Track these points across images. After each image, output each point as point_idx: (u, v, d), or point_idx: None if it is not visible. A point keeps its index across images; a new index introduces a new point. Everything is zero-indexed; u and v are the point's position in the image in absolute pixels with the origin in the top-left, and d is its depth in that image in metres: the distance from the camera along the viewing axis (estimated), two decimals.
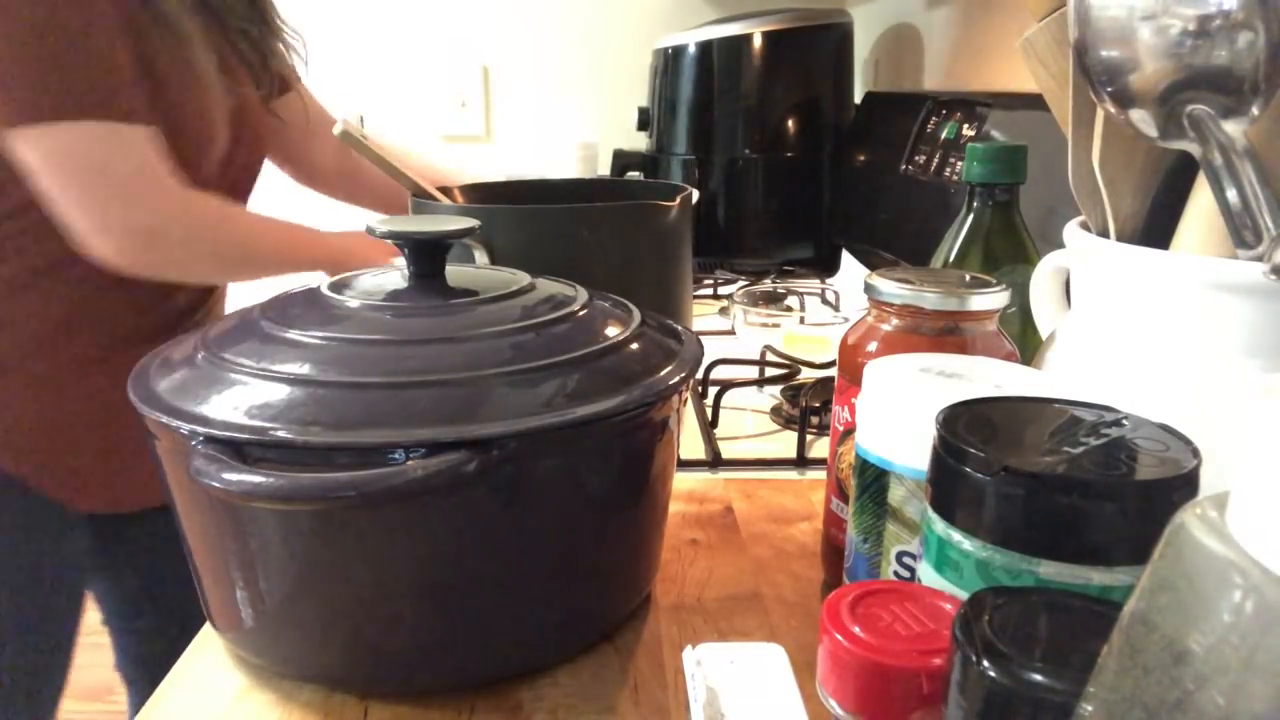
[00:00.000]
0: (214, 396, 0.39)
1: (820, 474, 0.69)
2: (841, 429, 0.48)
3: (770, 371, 0.89)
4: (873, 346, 0.47)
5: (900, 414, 0.39)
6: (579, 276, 0.65)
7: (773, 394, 0.86)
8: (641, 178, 1.53)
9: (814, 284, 1.27)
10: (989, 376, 0.39)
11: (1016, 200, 0.55)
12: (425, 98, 1.82)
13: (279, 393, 0.38)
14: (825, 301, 1.17)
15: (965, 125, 0.94)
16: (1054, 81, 0.47)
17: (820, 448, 0.73)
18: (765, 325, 1.03)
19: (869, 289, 0.47)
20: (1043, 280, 0.53)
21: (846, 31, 1.39)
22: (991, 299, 0.45)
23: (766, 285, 1.23)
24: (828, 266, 1.39)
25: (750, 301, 1.07)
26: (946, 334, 0.45)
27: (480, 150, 1.85)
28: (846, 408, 0.47)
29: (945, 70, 1.25)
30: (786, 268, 1.39)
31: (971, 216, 0.56)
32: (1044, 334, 0.53)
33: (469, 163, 1.84)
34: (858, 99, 1.41)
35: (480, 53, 1.80)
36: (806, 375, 0.87)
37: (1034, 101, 0.81)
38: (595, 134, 1.79)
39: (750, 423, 0.81)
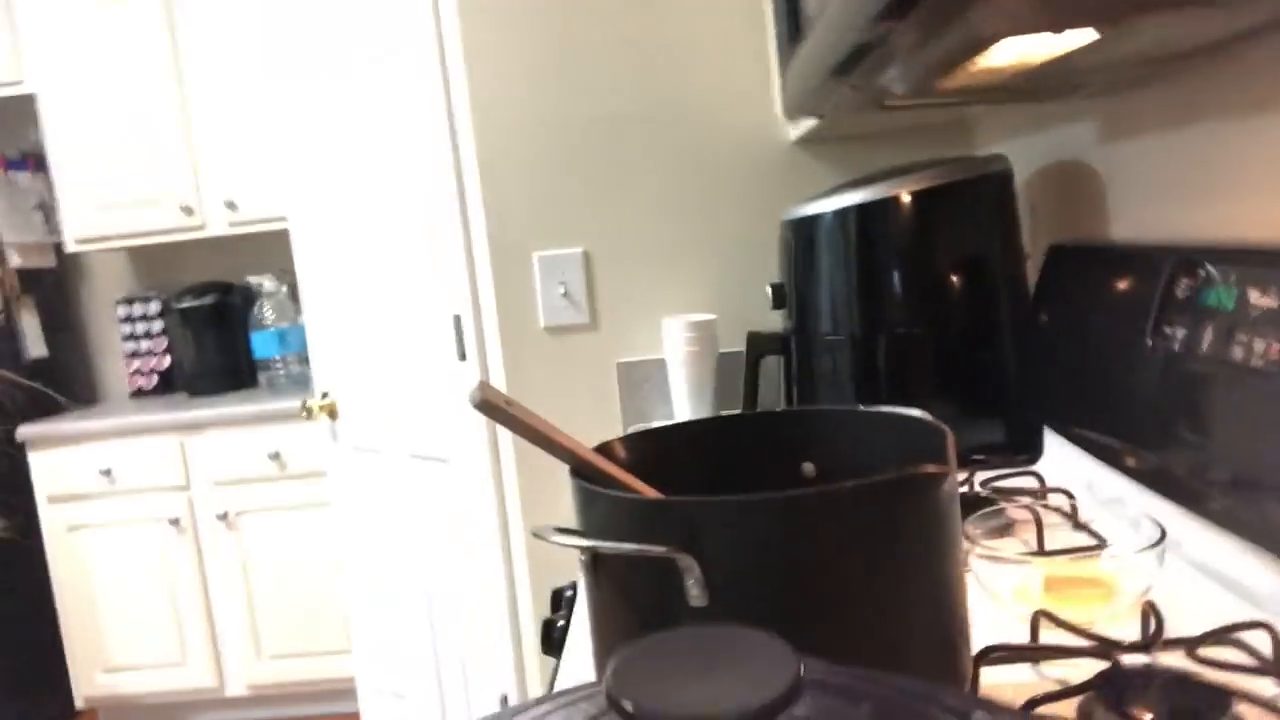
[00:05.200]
0: None
1: None
2: None
3: (1059, 653, 0.64)
4: None
5: None
6: (827, 587, 0.45)
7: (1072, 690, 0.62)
8: (780, 362, 1.34)
9: (1031, 484, 1.03)
10: None
11: None
12: (523, 288, 1.68)
13: None
14: (1057, 510, 0.93)
15: (1247, 288, 0.73)
16: None
17: None
18: (1008, 561, 0.79)
19: None
20: None
21: (1007, 179, 1.20)
22: None
23: (972, 493, 0.99)
24: (1026, 450, 1.16)
25: (977, 525, 0.84)
26: None
27: (586, 339, 1.69)
28: None
29: (1141, 216, 1.05)
30: (976, 457, 1.16)
31: None
32: None
33: (576, 353, 1.68)
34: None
35: (582, 238, 1.66)
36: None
37: None
38: (713, 311, 1.62)
39: None
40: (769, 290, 1.33)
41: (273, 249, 2.83)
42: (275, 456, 2.48)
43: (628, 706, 0.25)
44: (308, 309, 2.11)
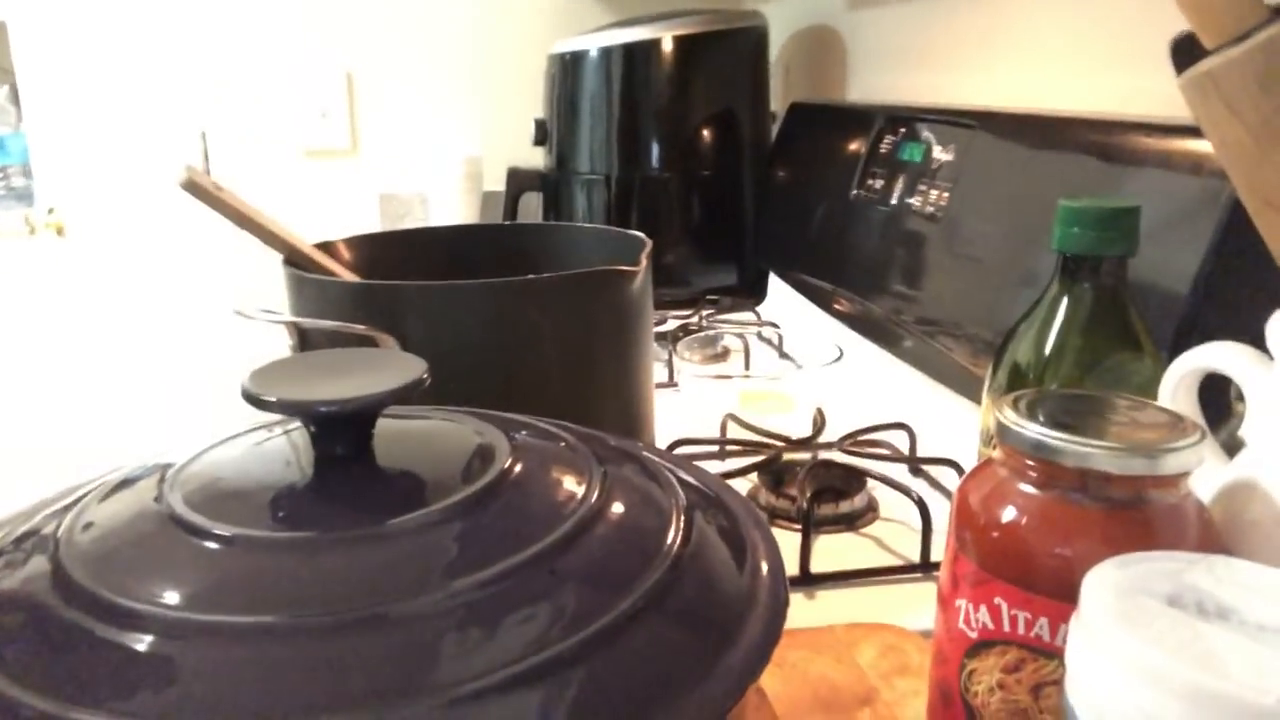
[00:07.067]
0: None
1: (839, 592, 0.54)
2: (975, 636, 0.33)
3: (739, 449, 0.73)
4: (1011, 515, 0.32)
5: (1154, 692, 0.24)
6: (523, 371, 0.49)
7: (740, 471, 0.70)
8: (541, 199, 1.36)
9: (750, 319, 1.13)
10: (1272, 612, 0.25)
11: (1125, 275, 0.42)
12: (280, 108, 1.58)
13: None
14: (766, 341, 1.02)
15: (938, 148, 0.82)
16: (1246, 134, 0.33)
17: (830, 556, 0.58)
18: (715, 378, 0.88)
19: (1006, 433, 0.32)
20: (1178, 388, 0.40)
21: (762, 35, 1.25)
22: (1192, 451, 0.31)
23: (698, 323, 1.08)
24: (754, 293, 1.26)
25: (693, 348, 0.92)
26: (1127, 507, 0.31)
27: (346, 165, 1.63)
28: (984, 608, 0.32)
29: (873, 81, 1.14)
30: (710, 296, 1.24)
31: (1068, 297, 0.43)
32: None
33: (335, 181, 1.62)
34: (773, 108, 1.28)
35: (343, 57, 1.57)
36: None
37: (1031, 124, 0.70)
38: (480, 147, 1.60)
39: None
40: (533, 125, 1.33)
41: None
42: None
43: (269, 399, 0.28)
44: (31, 115, 1.88)
